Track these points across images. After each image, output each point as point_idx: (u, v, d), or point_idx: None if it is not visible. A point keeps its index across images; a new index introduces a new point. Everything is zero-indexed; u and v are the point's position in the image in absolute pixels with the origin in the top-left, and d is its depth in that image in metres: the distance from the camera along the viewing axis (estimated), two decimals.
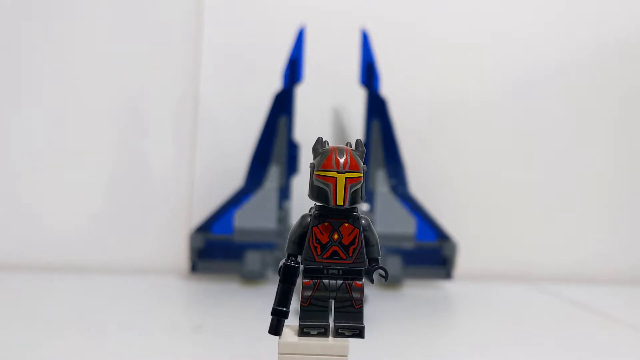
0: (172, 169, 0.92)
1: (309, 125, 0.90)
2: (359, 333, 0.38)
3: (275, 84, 0.86)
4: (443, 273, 0.84)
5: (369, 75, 0.84)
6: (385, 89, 0.85)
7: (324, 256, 0.38)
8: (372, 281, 0.39)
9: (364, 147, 0.39)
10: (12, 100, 0.90)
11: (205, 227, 0.82)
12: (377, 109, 0.84)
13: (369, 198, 0.82)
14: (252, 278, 0.81)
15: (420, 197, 0.86)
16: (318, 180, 0.37)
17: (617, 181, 0.99)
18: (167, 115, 0.92)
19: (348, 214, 0.38)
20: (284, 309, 0.38)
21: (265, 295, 0.74)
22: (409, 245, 0.81)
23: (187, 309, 0.73)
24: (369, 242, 0.39)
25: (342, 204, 0.37)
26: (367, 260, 0.39)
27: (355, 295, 0.38)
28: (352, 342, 0.38)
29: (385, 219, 0.80)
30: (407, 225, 0.80)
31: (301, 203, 0.79)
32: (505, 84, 0.97)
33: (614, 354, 0.58)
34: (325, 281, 0.38)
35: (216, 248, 0.82)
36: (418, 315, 0.71)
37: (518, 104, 0.97)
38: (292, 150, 0.84)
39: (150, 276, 0.85)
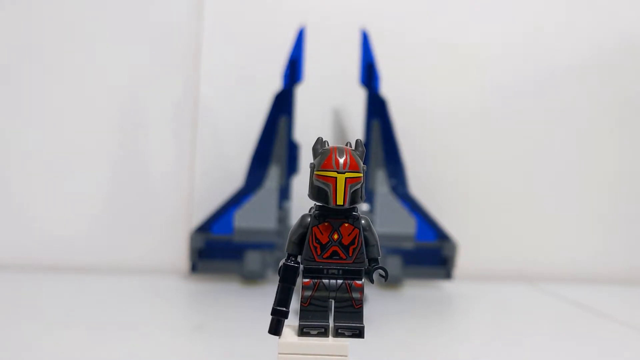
0: (172, 169, 0.92)
1: (309, 125, 0.90)
2: (359, 333, 0.38)
3: (275, 84, 0.86)
4: (443, 273, 0.84)
5: (369, 75, 0.84)
6: (385, 89, 0.85)
7: (324, 256, 0.38)
8: (372, 281, 0.39)
9: (364, 147, 0.39)
10: (11, 101, 0.90)
11: (205, 227, 0.82)
12: (377, 109, 0.84)
13: (369, 198, 0.82)
14: (252, 278, 0.81)
15: (420, 197, 0.86)
16: (318, 180, 0.37)
17: (617, 181, 0.99)
18: (167, 116, 0.92)
19: (348, 214, 0.38)
20: (284, 309, 0.38)
21: (265, 295, 0.74)
22: (409, 245, 0.81)
23: (187, 309, 0.73)
24: (368, 242, 0.39)
25: (342, 204, 0.37)
26: (367, 260, 0.39)
27: (355, 295, 0.38)
28: (352, 342, 0.38)
29: (385, 219, 0.80)
30: (407, 225, 0.80)
31: (301, 203, 0.79)
32: (505, 84, 0.97)
33: (613, 354, 0.58)
34: (325, 281, 0.38)
35: (216, 248, 0.82)
36: (418, 315, 0.71)
37: (518, 103, 0.97)
38: (292, 150, 0.84)
39: (150, 276, 0.85)
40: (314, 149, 0.39)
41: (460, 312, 0.78)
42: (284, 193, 0.83)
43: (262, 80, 0.90)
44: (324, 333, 0.38)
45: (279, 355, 0.37)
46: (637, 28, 0.99)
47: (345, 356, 0.37)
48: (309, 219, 0.39)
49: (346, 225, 0.38)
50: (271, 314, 0.38)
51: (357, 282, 0.39)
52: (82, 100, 0.91)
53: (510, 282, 0.92)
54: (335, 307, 0.38)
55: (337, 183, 0.37)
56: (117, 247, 0.90)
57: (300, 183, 0.83)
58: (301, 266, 0.39)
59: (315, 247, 0.38)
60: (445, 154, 0.96)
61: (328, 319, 0.38)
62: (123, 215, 0.91)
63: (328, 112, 0.94)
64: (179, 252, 0.90)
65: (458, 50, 0.97)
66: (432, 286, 0.86)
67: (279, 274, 0.39)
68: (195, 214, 0.90)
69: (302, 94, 0.87)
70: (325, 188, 0.37)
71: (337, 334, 0.38)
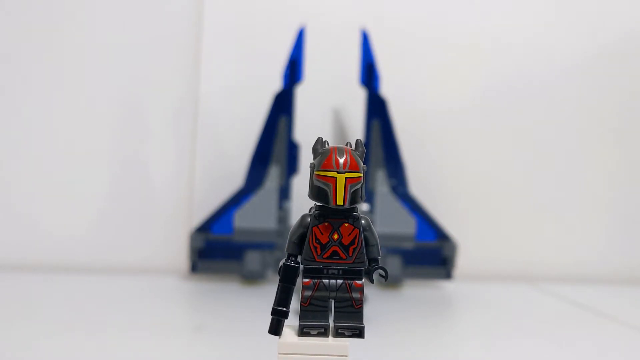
0: (173, 169, 0.92)
1: (309, 125, 0.90)
2: (359, 333, 0.38)
3: (275, 84, 0.86)
4: (443, 273, 0.84)
5: (369, 75, 0.84)
6: (385, 89, 0.85)
7: (324, 256, 0.38)
8: (372, 281, 0.39)
9: (364, 147, 0.39)
10: (10, 102, 0.90)
11: (205, 227, 0.82)
12: (377, 109, 0.84)
13: (369, 198, 0.82)
14: (252, 278, 0.81)
15: (420, 197, 0.87)
16: (318, 180, 0.37)
17: (617, 181, 0.99)
18: (167, 116, 0.92)
19: (348, 214, 0.38)
20: (284, 309, 0.38)
21: (265, 295, 0.74)
22: (409, 245, 0.81)
23: (187, 309, 0.73)
24: (368, 242, 0.39)
25: (342, 204, 0.37)
26: (367, 260, 0.39)
27: (355, 295, 0.38)
28: (352, 342, 0.38)
29: (385, 219, 0.80)
30: (407, 225, 0.80)
31: (301, 203, 0.79)
32: (505, 84, 0.97)
33: (614, 354, 0.58)
34: (325, 281, 0.38)
35: (216, 248, 0.82)
36: (418, 315, 0.71)
37: (518, 104, 0.98)
38: (292, 150, 0.84)
39: (150, 276, 0.85)
40: (314, 149, 0.39)
41: (460, 312, 0.78)
42: (284, 193, 0.83)
43: (262, 80, 0.89)
44: (324, 333, 0.38)
45: (279, 355, 0.37)
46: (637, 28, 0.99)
47: (346, 356, 0.37)
48: (309, 219, 0.39)
49: (346, 225, 0.38)
50: (271, 314, 0.38)
51: (357, 282, 0.39)
52: (82, 101, 0.91)
53: (510, 282, 0.92)
54: (335, 307, 0.38)
55: (337, 183, 0.37)
56: (117, 247, 0.90)
57: (300, 183, 0.83)
58: (301, 266, 0.39)
59: (316, 247, 0.38)
60: (445, 154, 0.96)
61: (328, 319, 0.38)
62: (123, 215, 0.91)
63: (328, 112, 0.94)
64: (179, 252, 0.90)
65: (458, 50, 0.97)
66: (432, 286, 0.86)
67: (279, 274, 0.39)
68: (195, 214, 0.90)
69: (302, 94, 0.87)
70: (325, 188, 0.37)
71: (337, 334, 0.38)
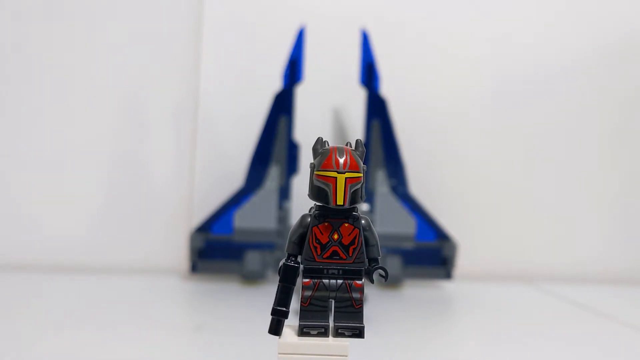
0: (173, 169, 0.92)
1: (309, 125, 0.90)
2: (359, 333, 0.38)
3: (275, 84, 0.86)
4: (443, 273, 0.84)
5: (369, 75, 0.84)
6: (385, 89, 0.85)
7: (324, 256, 0.38)
8: (372, 281, 0.39)
9: (364, 147, 0.39)
10: (11, 102, 0.90)
11: (205, 227, 0.82)
12: (377, 109, 0.84)
13: (369, 198, 0.82)
14: (252, 278, 0.81)
15: (420, 197, 0.87)
16: (318, 180, 0.37)
17: (617, 181, 0.99)
18: (167, 116, 0.92)
19: (348, 214, 0.38)
20: (284, 309, 0.38)
21: (265, 295, 0.74)
22: (409, 245, 0.81)
23: (187, 309, 0.73)
24: (368, 242, 0.39)
25: (342, 204, 0.37)
26: (367, 260, 0.39)
27: (355, 295, 0.38)
28: (352, 342, 0.38)
29: (385, 219, 0.80)
30: (407, 225, 0.80)
31: (301, 203, 0.79)
32: (505, 84, 0.97)
33: (614, 354, 0.58)
34: (325, 281, 0.38)
35: (216, 248, 0.82)
36: (418, 315, 0.71)
37: (518, 104, 0.98)
38: (292, 150, 0.84)
39: (150, 276, 0.85)
40: (314, 149, 0.39)
41: (460, 312, 0.78)
42: (284, 193, 0.83)
43: (262, 80, 0.90)
44: (324, 333, 0.38)
45: (279, 355, 0.37)
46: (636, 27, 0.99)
47: (346, 356, 0.37)
48: (309, 219, 0.39)
49: (346, 225, 0.38)
50: (271, 314, 0.38)
51: (357, 282, 0.39)
52: (82, 100, 0.91)
53: (510, 282, 0.92)
54: (335, 307, 0.39)
55: (337, 183, 0.37)
56: (117, 247, 0.90)
57: (300, 183, 0.83)
58: (301, 266, 0.39)
59: (316, 247, 0.38)
60: (445, 154, 0.96)
61: (328, 319, 0.38)
62: (123, 215, 0.91)
63: (328, 112, 0.94)
64: (179, 252, 0.90)
65: (458, 50, 0.97)
66: (432, 286, 0.86)
67: (279, 274, 0.39)
68: (195, 214, 0.90)
69: (302, 94, 0.87)
70: (325, 188, 0.37)
71: (337, 334, 0.38)
